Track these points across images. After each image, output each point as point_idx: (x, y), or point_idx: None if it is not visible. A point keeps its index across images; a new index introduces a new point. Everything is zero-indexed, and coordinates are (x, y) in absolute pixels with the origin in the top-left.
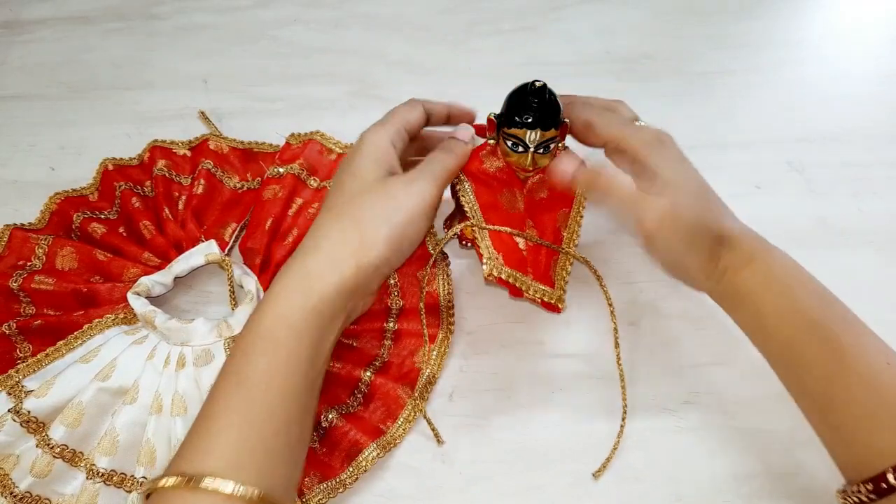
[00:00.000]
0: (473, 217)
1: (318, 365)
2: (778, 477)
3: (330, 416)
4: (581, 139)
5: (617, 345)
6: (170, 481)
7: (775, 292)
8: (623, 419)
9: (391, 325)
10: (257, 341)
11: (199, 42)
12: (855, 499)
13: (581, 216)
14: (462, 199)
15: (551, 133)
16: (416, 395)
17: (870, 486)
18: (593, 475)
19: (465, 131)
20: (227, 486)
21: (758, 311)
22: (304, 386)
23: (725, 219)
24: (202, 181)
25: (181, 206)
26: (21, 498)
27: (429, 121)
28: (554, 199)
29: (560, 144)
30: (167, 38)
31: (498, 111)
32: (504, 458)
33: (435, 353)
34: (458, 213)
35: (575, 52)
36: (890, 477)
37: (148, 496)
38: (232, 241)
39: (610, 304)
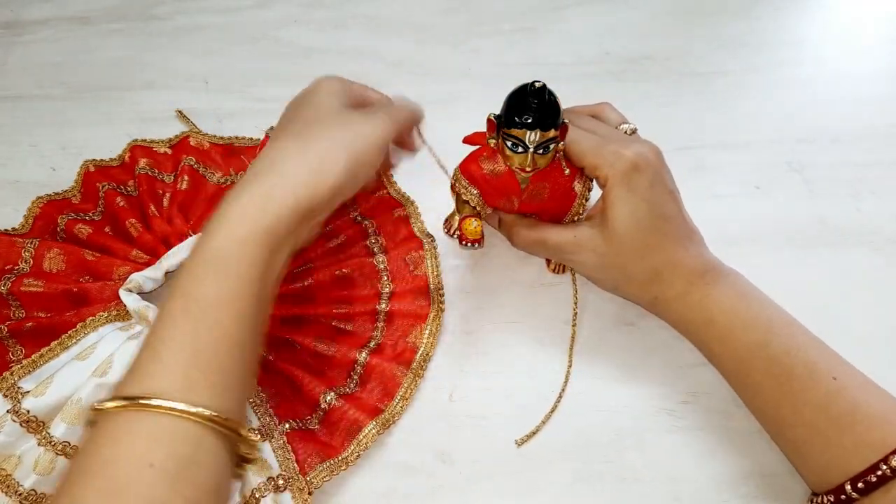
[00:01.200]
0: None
1: (269, 286)
2: (777, 477)
3: (328, 398)
4: (568, 155)
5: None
6: (112, 404)
7: (715, 324)
8: (564, 384)
9: (383, 307)
10: (208, 262)
11: (199, 42)
12: None
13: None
14: (459, 186)
15: (551, 133)
16: (412, 372)
17: (831, 498)
18: (516, 442)
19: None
20: (176, 405)
21: (702, 340)
22: (256, 307)
23: (667, 253)
24: (186, 177)
25: (166, 202)
26: (26, 497)
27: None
28: (550, 207)
29: (560, 145)
30: (167, 39)
31: (498, 112)
32: (504, 458)
33: (427, 331)
34: (461, 208)
35: (575, 52)
36: (847, 488)
37: (93, 425)
38: None
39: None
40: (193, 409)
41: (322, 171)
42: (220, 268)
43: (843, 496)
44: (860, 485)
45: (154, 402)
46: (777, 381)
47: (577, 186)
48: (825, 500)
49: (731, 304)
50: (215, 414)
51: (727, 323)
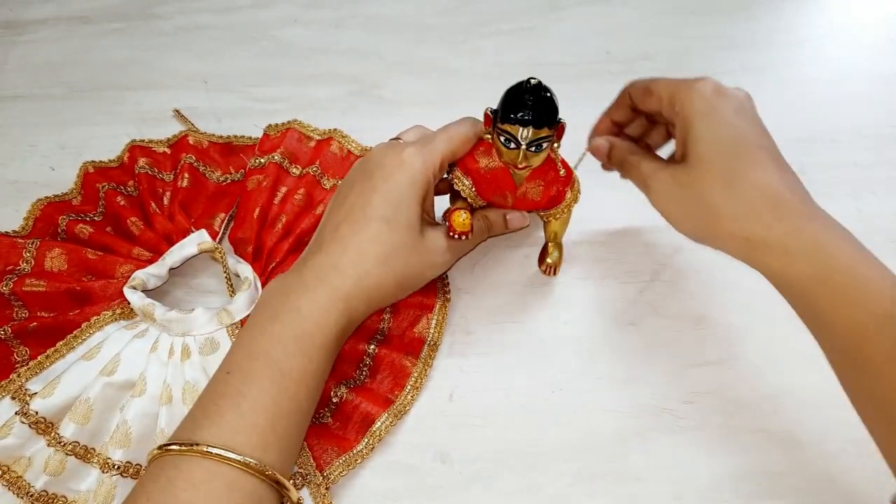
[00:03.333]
0: (468, 196)
1: (330, 365)
2: (777, 477)
3: (340, 391)
4: (640, 104)
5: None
6: (192, 450)
7: (830, 283)
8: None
9: None
10: (299, 342)
11: (199, 42)
12: None
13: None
14: (453, 177)
15: (544, 132)
16: (421, 362)
17: None
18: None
19: (520, 219)
20: (252, 462)
21: (808, 303)
22: (322, 385)
23: (761, 183)
24: (186, 175)
25: (167, 200)
26: (38, 497)
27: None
28: (544, 203)
29: (556, 145)
30: (168, 39)
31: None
32: (504, 458)
33: (434, 321)
34: (454, 200)
35: (575, 52)
36: None
37: (158, 457)
38: (221, 230)
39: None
40: (266, 470)
41: (396, 292)
42: (307, 350)
43: None
44: None
45: (234, 456)
46: None
47: (569, 194)
48: None
49: (850, 260)
50: (280, 476)
51: (846, 283)
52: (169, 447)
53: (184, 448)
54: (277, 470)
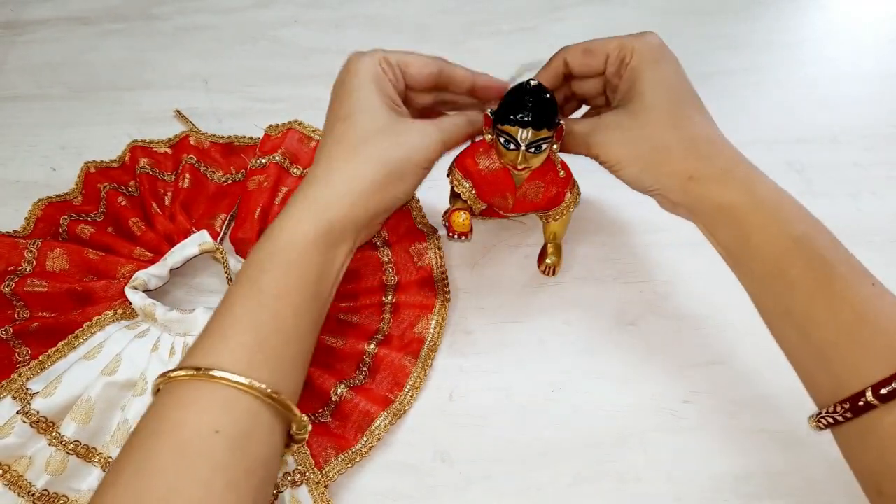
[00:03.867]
0: (468, 198)
1: (325, 286)
2: (777, 477)
3: (339, 391)
4: (579, 67)
5: None
6: (181, 373)
7: (761, 208)
8: None
9: (389, 299)
10: (273, 257)
11: (199, 43)
12: (829, 419)
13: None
14: (453, 179)
15: (544, 133)
16: (420, 362)
17: (846, 406)
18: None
19: (485, 81)
20: (241, 378)
21: (741, 227)
22: (311, 303)
23: (704, 126)
24: (187, 175)
25: (168, 201)
26: (39, 497)
27: (447, 87)
28: (543, 204)
29: (555, 146)
30: (167, 39)
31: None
32: (504, 458)
33: (434, 321)
34: (453, 201)
35: None
36: (868, 395)
37: (157, 392)
38: (223, 231)
39: None
40: (256, 385)
41: (375, 187)
42: (282, 264)
43: (860, 403)
44: (883, 391)
45: (221, 374)
46: (817, 276)
47: (568, 196)
48: (838, 409)
49: (776, 192)
50: (273, 391)
51: (773, 209)
52: (167, 375)
53: (174, 373)
54: (271, 387)
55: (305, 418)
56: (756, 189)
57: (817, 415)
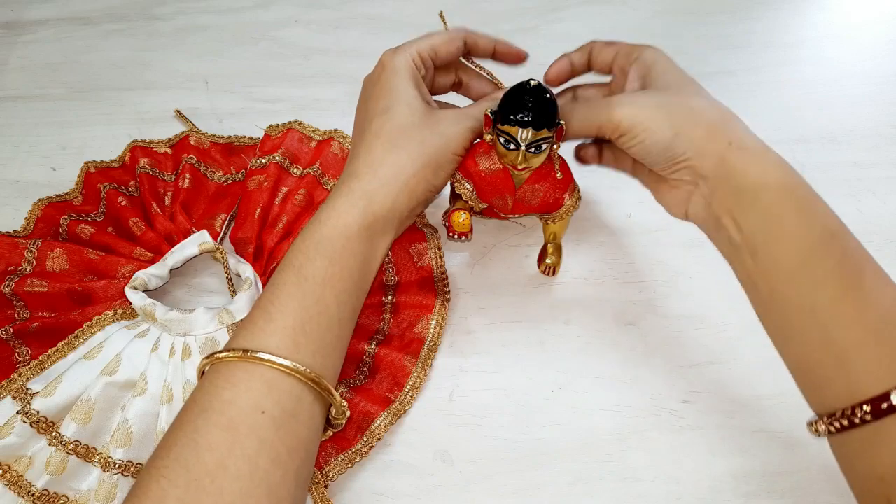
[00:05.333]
0: (469, 198)
1: (369, 274)
2: (777, 477)
3: (339, 391)
4: (599, 55)
5: None
6: (229, 355)
7: (798, 193)
8: None
9: (389, 299)
10: (318, 246)
11: (199, 43)
12: (841, 423)
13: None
14: (453, 179)
15: (543, 133)
16: (420, 362)
17: (866, 409)
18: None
19: (505, 48)
20: (285, 361)
21: (775, 209)
22: (353, 292)
23: (727, 109)
24: (187, 175)
25: (168, 201)
26: (39, 497)
27: (471, 52)
28: (543, 209)
29: (556, 146)
30: (168, 39)
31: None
32: (504, 458)
33: (434, 321)
34: (453, 201)
35: None
36: (894, 397)
37: (203, 373)
38: (223, 231)
39: None
40: (300, 368)
41: (416, 179)
42: (327, 253)
43: (883, 406)
44: None
45: (266, 356)
46: (847, 274)
47: (568, 200)
48: (856, 412)
49: (807, 186)
50: (315, 374)
51: (810, 198)
52: (215, 355)
53: (222, 354)
54: (314, 370)
55: (345, 403)
56: (791, 172)
57: (828, 417)
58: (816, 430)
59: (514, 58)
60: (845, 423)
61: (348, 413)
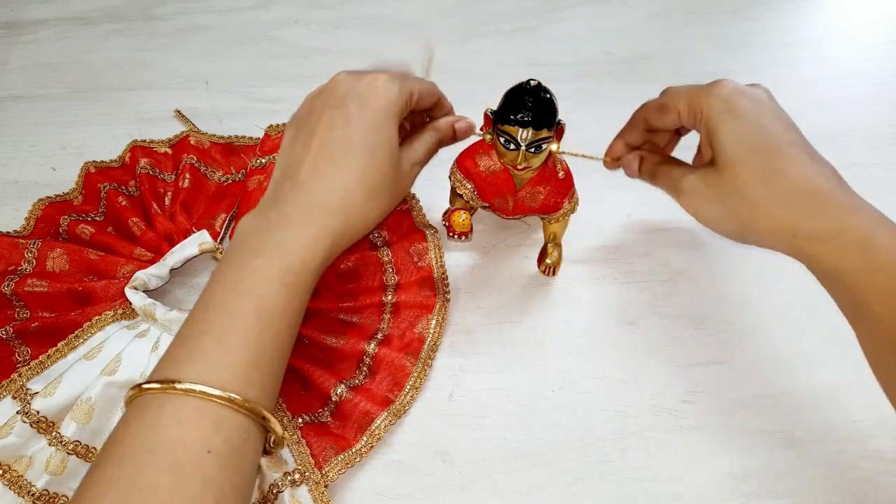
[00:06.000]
0: (469, 198)
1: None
2: (777, 476)
3: (339, 391)
4: (657, 123)
5: None
6: (177, 388)
7: (880, 274)
8: None
9: (389, 298)
10: (284, 277)
11: (199, 43)
12: None
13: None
14: (454, 179)
15: (543, 133)
16: (421, 362)
17: None
18: None
19: (467, 127)
20: (237, 397)
21: (857, 292)
22: (299, 323)
23: (800, 177)
24: (187, 175)
25: (168, 201)
26: (39, 496)
27: (432, 112)
28: (544, 207)
29: (556, 146)
30: (168, 39)
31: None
32: (504, 458)
33: (434, 321)
34: (453, 201)
35: (574, 52)
36: None
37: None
38: (223, 231)
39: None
40: (253, 406)
41: (373, 226)
42: (291, 287)
43: None
44: None
45: (217, 392)
46: None
47: (567, 205)
48: None
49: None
50: (265, 411)
51: (894, 273)
52: (148, 386)
53: (166, 386)
54: (262, 405)
55: (287, 436)
56: (872, 250)
57: None
58: None
59: (461, 129)
60: None
61: (284, 444)
